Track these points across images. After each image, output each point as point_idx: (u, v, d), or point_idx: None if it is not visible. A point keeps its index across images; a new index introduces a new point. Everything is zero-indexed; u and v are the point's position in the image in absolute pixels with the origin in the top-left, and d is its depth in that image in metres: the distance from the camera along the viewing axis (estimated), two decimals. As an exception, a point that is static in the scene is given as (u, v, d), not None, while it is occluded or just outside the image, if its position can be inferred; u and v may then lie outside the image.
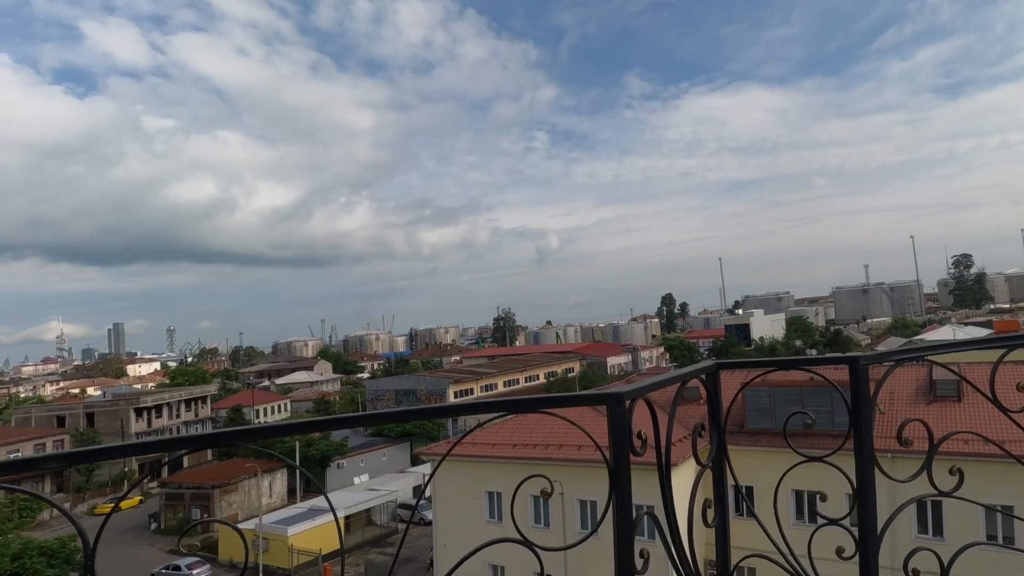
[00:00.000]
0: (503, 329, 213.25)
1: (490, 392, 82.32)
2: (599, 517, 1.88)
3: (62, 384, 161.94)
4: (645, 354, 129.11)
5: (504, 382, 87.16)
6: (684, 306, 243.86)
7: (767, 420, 25.81)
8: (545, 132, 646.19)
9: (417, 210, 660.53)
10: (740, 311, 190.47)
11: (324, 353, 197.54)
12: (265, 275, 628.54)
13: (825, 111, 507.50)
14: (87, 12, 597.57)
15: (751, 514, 2.34)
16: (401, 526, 46.58)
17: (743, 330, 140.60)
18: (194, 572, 41.00)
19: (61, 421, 74.95)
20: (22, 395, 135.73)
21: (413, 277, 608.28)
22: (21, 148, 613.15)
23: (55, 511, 58.60)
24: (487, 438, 29.69)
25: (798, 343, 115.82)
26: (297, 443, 58.39)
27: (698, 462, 2.20)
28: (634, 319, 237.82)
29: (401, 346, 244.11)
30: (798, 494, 23.02)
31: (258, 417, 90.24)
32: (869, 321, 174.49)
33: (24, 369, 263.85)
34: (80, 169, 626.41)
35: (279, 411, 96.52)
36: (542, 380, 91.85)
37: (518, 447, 27.60)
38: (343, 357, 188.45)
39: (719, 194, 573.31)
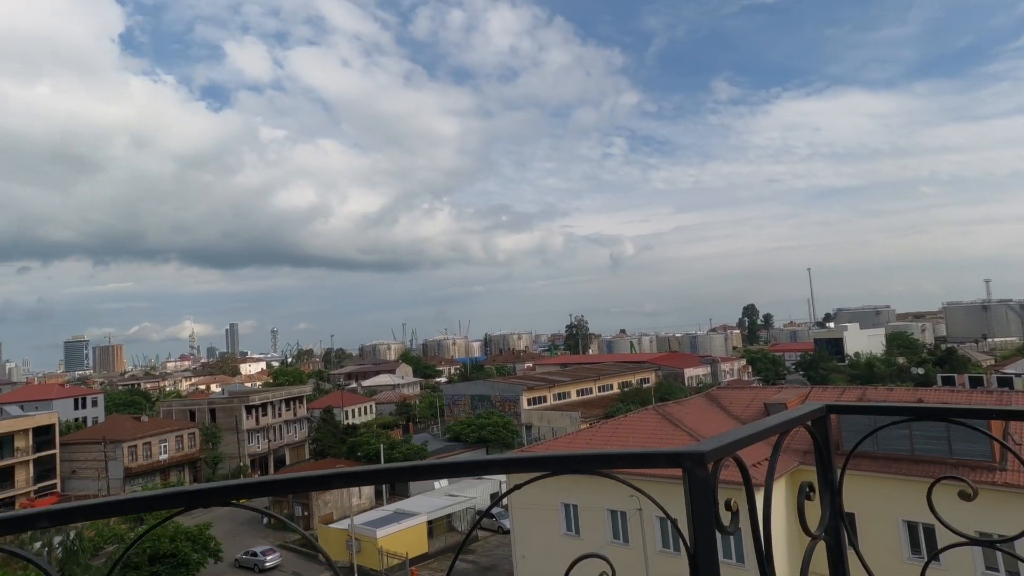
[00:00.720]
0: (576, 336, 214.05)
1: (563, 401, 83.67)
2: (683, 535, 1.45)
3: (193, 380, 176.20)
4: (725, 366, 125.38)
5: (577, 391, 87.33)
6: (768, 317, 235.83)
7: (868, 442, 22.26)
8: (624, 138, 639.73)
9: (494, 216, 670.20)
10: (831, 324, 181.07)
11: (405, 356, 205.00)
12: (354, 279, 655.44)
13: (939, 115, 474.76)
14: (229, 33, 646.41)
15: (850, 544, 1.82)
16: (482, 533, 49.23)
17: (835, 344, 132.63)
18: (268, 558, 45.92)
19: (192, 415, 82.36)
20: (167, 389, 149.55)
21: (488, 282, 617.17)
22: (173, 159, 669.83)
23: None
24: (561, 448, 30.75)
25: (901, 360, 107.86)
26: (382, 446, 62.51)
27: (807, 532, 1.70)
28: (713, 330, 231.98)
29: (476, 351, 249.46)
30: (911, 526, 21.83)
31: (347, 418, 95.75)
32: (991, 340, 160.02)
33: (168, 365, 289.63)
34: (211, 177, 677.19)
35: (365, 413, 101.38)
36: (616, 390, 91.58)
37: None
38: (422, 361, 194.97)
39: (808, 202, 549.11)
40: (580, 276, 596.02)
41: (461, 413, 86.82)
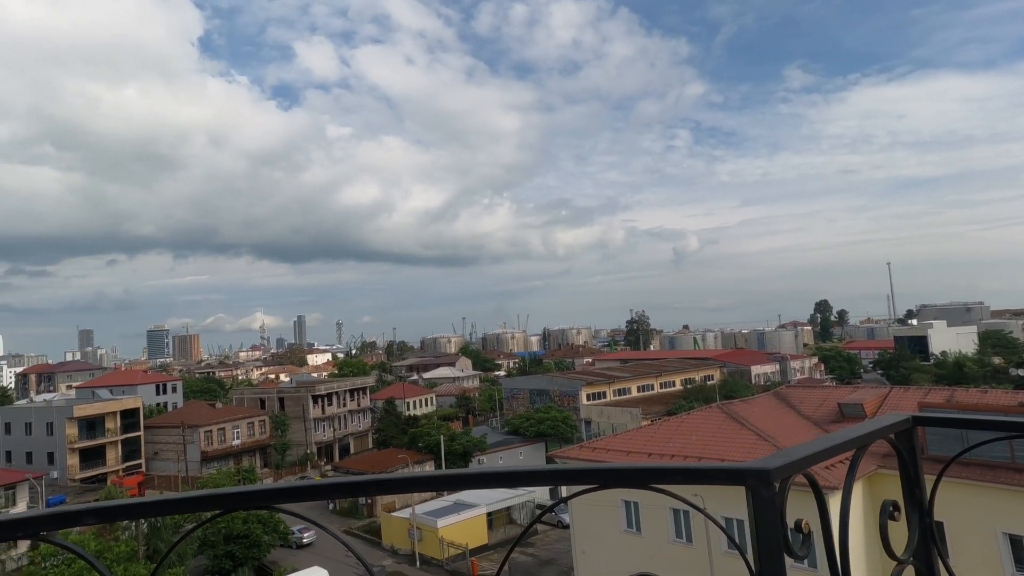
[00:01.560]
0: (636, 332, 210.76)
1: (623, 397, 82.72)
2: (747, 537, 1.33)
3: (264, 370, 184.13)
4: (795, 364, 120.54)
5: (638, 387, 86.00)
6: (842, 314, 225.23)
7: (957, 445, 20.84)
8: (688, 130, 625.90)
9: (554, 211, 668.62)
10: (914, 321, 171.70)
11: (465, 350, 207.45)
12: (415, 273, 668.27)
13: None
14: (299, 33, 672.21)
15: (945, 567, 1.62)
16: (541, 527, 49.45)
17: (918, 343, 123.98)
18: (304, 535, 48.32)
19: (263, 404, 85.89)
20: (239, 378, 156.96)
21: (548, 277, 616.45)
22: (246, 157, 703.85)
23: (267, 483, 69.30)
24: (621, 445, 30.61)
25: (996, 360, 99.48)
26: (442, 437, 63.57)
27: (891, 556, 1.50)
28: (782, 326, 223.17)
29: (535, 345, 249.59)
30: (1014, 540, 20.29)
31: (409, 409, 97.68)
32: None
33: (241, 354, 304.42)
34: (281, 175, 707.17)
35: (426, 405, 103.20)
36: (679, 387, 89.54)
37: (653, 456, 27.52)
38: (481, 354, 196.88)
39: (888, 193, 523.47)
40: (641, 271, 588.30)
41: (520, 407, 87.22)
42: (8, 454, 67.13)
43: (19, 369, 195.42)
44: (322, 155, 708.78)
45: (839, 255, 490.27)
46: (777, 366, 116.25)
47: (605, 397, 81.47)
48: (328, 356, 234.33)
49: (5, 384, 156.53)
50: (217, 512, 1.46)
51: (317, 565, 39.05)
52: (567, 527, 41.95)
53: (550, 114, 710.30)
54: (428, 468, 62.46)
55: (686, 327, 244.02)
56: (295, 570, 39.78)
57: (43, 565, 28.84)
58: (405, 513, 47.80)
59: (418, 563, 44.04)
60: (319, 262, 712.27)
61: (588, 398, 79.67)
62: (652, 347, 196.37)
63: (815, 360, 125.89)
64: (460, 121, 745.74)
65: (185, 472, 67.55)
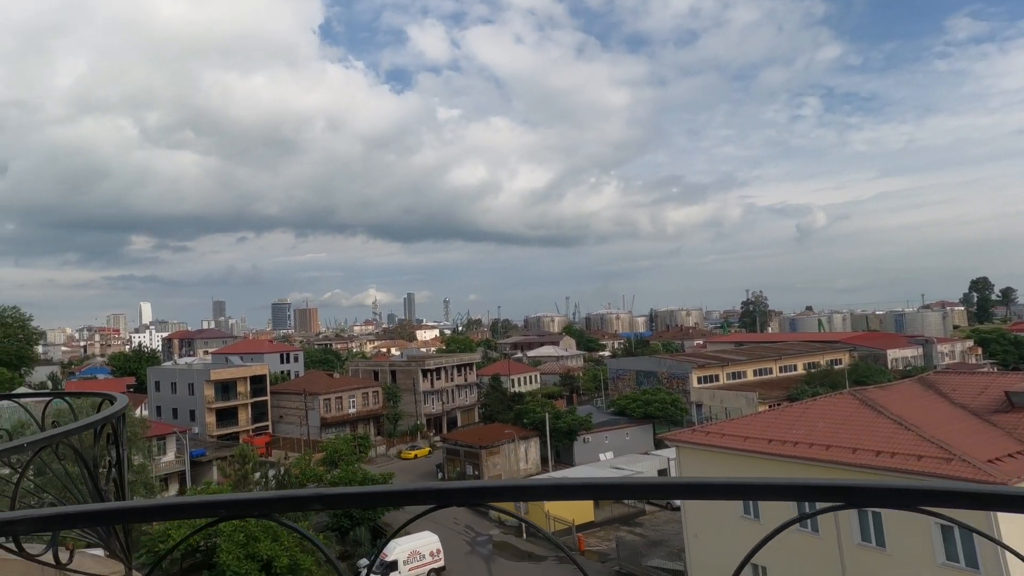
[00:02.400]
0: (752, 314, 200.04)
1: (737, 381, 79.09)
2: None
3: (376, 343, 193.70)
4: (943, 348, 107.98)
5: (754, 371, 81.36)
6: (1008, 292, 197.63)
7: None
8: (818, 97, 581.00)
9: (664, 188, 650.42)
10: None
11: (568, 329, 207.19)
12: (520, 253, 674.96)
13: None
14: (412, 17, 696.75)
15: None
16: (649, 508, 48.46)
17: None
18: None
19: (376, 375, 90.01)
20: (353, 350, 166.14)
21: (655, 257, 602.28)
22: (361, 140, 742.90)
23: (379, 450, 71.64)
24: (738, 430, 29.12)
25: None
26: (547, 414, 63.62)
27: None
28: (927, 306, 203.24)
29: (640, 326, 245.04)
30: None
31: (513, 386, 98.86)
32: None
33: (355, 328, 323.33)
34: (393, 157, 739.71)
35: (530, 382, 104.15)
36: (801, 371, 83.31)
37: (774, 443, 26.12)
38: (585, 334, 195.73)
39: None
40: (759, 250, 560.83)
41: (625, 388, 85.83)
42: (158, 409, 74.57)
43: (164, 334, 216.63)
44: (432, 137, 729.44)
45: (1005, 227, 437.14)
46: (919, 350, 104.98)
47: (717, 380, 78.39)
48: (436, 332, 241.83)
49: (154, 347, 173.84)
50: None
51: (428, 530, 40.26)
52: (677, 509, 40.82)
53: (663, 88, 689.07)
54: (534, 444, 62.77)
55: (809, 308, 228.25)
56: (407, 533, 41.25)
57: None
58: (512, 486, 48.26)
59: (524, 535, 44.41)
60: (429, 242, 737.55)
61: (699, 381, 77.03)
62: (770, 329, 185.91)
63: (969, 343, 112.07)
64: (568, 99, 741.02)
65: (307, 436, 71.96)
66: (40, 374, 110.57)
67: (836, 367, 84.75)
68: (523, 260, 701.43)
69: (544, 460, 61.75)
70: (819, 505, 1.41)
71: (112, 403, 3.83)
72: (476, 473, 59.16)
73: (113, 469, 3.44)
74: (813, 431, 26.12)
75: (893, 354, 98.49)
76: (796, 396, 61.09)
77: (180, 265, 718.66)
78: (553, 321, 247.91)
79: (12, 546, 2.12)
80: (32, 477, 3.42)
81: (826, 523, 23.14)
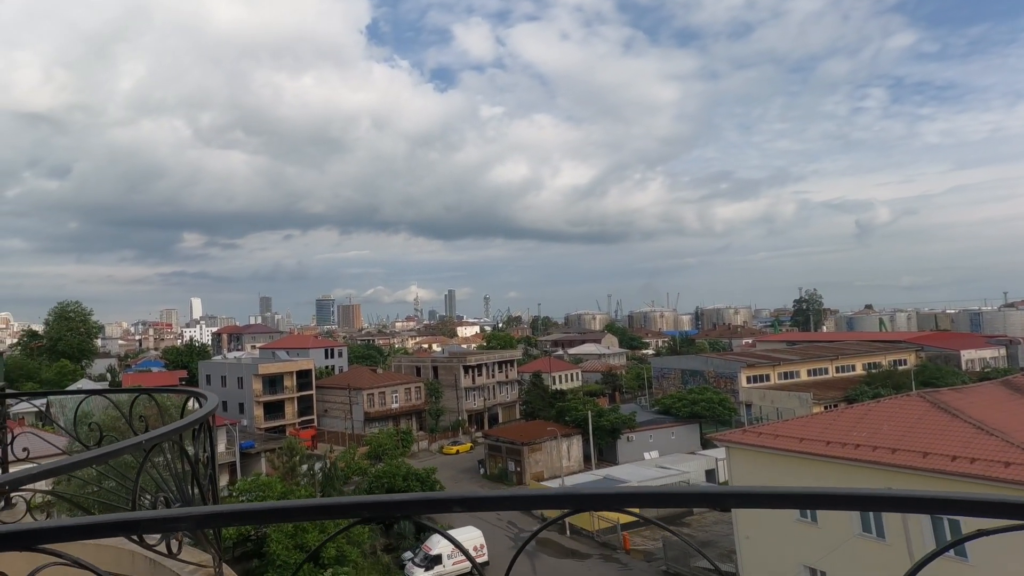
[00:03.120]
0: (806, 312, 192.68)
1: (790, 381, 76.45)
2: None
3: (417, 339, 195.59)
4: None
5: (808, 371, 78.14)
6: None
7: None
8: (885, 88, 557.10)
9: (713, 184, 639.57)
10: None
11: (610, 327, 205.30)
12: (561, 250, 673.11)
13: None
14: (456, 16, 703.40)
15: None
16: (695, 508, 47.43)
17: None
18: None
19: (418, 371, 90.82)
20: (396, 346, 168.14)
21: (702, 254, 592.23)
22: (405, 138, 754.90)
23: (421, 445, 72.47)
24: (792, 431, 27.99)
25: None
26: (589, 412, 62.87)
27: None
28: (1010, 304, 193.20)
29: (686, 324, 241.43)
30: None
31: (554, 383, 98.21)
32: None
33: (397, 324, 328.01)
34: (436, 155, 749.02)
35: (571, 380, 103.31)
36: (860, 372, 79.22)
37: (833, 445, 24.89)
38: (628, 332, 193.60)
39: None
40: (814, 246, 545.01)
41: (671, 387, 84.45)
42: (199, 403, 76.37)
43: (214, 329, 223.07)
44: (475, 135, 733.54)
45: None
46: (1002, 351, 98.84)
47: (768, 380, 75.79)
48: (476, 329, 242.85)
49: (205, 341, 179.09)
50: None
51: (472, 525, 40.12)
52: (727, 510, 39.79)
53: (714, 82, 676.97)
54: (576, 442, 62.09)
55: (869, 307, 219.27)
56: (451, 527, 41.24)
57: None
58: (554, 483, 47.82)
59: (568, 532, 43.93)
60: (470, 239, 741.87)
61: (748, 380, 74.95)
62: (824, 328, 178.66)
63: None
64: (614, 95, 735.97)
65: (351, 430, 72.85)
66: (99, 366, 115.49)
67: (900, 368, 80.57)
68: (564, 257, 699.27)
69: (587, 458, 61.10)
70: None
71: (199, 400, 3.89)
72: (518, 469, 58.91)
73: (205, 466, 3.34)
74: (877, 434, 24.73)
75: (968, 355, 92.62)
76: (855, 397, 58.77)
77: (229, 262, 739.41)
78: (595, 319, 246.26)
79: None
80: (110, 473, 3.70)
81: (894, 528, 21.97)
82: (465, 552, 1.80)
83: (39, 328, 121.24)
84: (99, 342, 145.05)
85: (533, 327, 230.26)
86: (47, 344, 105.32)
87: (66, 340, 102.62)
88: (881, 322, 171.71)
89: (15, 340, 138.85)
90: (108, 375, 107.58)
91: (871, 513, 22.80)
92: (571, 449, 61.76)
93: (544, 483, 50.91)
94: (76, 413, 4.93)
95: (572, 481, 48.47)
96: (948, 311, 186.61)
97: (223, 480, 47.54)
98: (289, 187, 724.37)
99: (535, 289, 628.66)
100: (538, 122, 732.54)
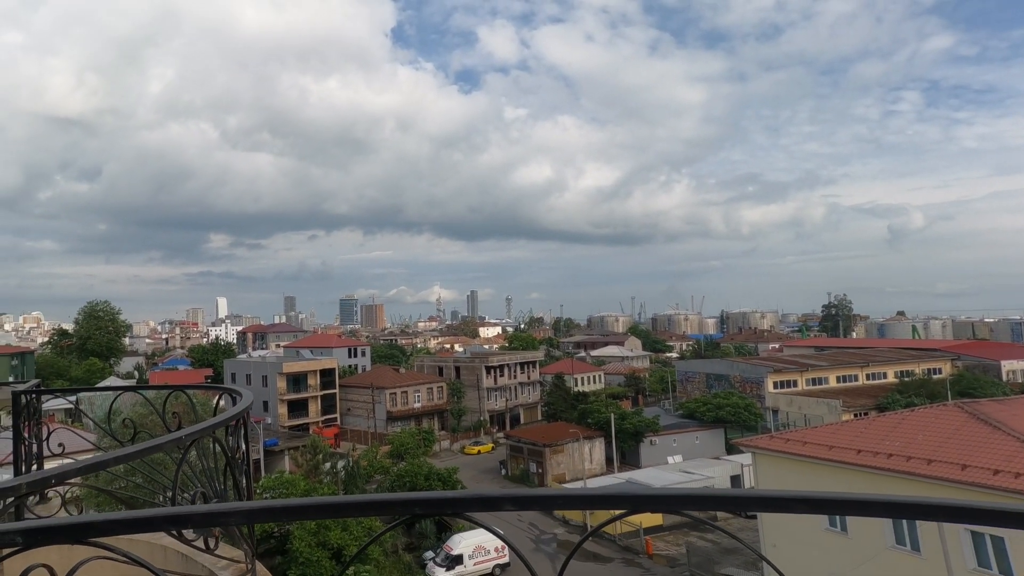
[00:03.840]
0: (835, 318, 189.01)
1: (818, 387, 74.82)
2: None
3: (440, 339, 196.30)
4: None
5: (837, 377, 76.40)
6: None
7: None
8: (919, 91, 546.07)
9: (739, 187, 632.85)
10: None
11: (634, 329, 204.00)
12: (584, 252, 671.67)
13: None
14: (481, 19, 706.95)
15: None
16: (722, 514, 46.83)
17: None
18: None
19: (440, 371, 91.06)
20: (418, 346, 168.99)
21: (728, 257, 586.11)
22: (429, 140, 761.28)
23: (443, 445, 72.65)
24: (821, 438, 27.46)
25: None
26: (612, 415, 62.47)
27: None
28: None
29: (710, 328, 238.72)
30: None
31: (577, 385, 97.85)
32: None
33: (419, 324, 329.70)
34: (460, 156, 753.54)
35: (594, 382, 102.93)
36: (891, 379, 77.00)
37: (864, 454, 24.18)
38: (651, 335, 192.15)
39: None
40: (844, 251, 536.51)
41: (695, 391, 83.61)
42: (234, 400, 77.02)
43: (239, 328, 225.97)
44: (499, 136, 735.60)
45: None
46: None
47: (796, 386, 74.11)
48: (498, 330, 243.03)
49: (230, 340, 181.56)
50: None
51: (493, 525, 40.04)
52: (752, 516, 39.14)
53: (742, 84, 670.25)
54: (599, 444, 61.73)
55: (901, 313, 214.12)
56: (470, 528, 41.19)
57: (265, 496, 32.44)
58: (577, 486, 47.53)
59: (590, 536, 43.69)
60: (493, 240, 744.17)
61: (775, 386, 73.60)
62: (854, 335, 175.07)
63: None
64: (639, 96, 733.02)
65: (374, 429, 73.28)
66: (127, 364, 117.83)
67: (935, 376, 78.03)
68: (587, 259, 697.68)
69: (609, 461, 60.71)
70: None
71: (234, 397, 3.90)
72: (540, 471, 58.70)
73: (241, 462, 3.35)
74: (911, 444, 23.93)
75: (1009, 365, 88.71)
76: (887, 406, 57.65)
77: (254, 262, 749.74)
78: (617, 321, 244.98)
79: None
80: (141, 468, 3.65)
81: (930, 542, 21.31)
82: (512, 547, 1.76)
83: (69, 327, 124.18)
84: (127, 340, 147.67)
85: (555, 328, 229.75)
86: (77, 343, 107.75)
87: (95, 339, 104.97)
88: (914, 329, 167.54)
89: (46, 339, 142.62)
90: (135, 373, 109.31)
91: (904, 525, 22.24)
92: (593, 452, 61.40)
93: (565, 485, 50.60)
94: (110, 410, 4.95)
95: (594, 484, 48.03)
96: (986, 319, 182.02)
97: None
98: (314, 188, 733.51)
99: (557, 291, 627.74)
100: (562, 123, 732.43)
